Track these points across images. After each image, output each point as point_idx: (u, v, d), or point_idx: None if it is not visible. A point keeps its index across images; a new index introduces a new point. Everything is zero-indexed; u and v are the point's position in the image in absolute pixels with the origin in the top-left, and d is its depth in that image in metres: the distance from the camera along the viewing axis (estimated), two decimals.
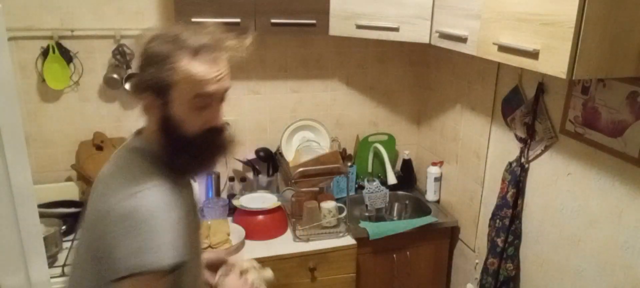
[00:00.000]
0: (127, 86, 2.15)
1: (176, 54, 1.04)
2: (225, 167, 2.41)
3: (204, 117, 1.09)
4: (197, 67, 1.04)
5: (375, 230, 2.17)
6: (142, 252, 0.99)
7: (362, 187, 2.49)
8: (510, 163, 1.89)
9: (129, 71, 2.16)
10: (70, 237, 2.00)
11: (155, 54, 1.05)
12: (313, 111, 2.50)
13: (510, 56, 1.45)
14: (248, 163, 2.38)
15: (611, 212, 1.52)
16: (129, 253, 0.99)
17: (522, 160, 1.85)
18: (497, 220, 1.92)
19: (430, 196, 2.49)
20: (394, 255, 2.26)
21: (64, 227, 1.97)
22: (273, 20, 2.01)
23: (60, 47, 2.07)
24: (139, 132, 1.17)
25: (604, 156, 1.52)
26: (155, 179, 1.07)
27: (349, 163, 2.54)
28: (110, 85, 2.14)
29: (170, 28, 1.09)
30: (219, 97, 1.11)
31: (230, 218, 2.19)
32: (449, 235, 2.38)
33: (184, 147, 1.09)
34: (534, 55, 1.34)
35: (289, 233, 2.18)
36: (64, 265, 1.78)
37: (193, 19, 1.92)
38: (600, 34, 1.23)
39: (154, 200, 1.03)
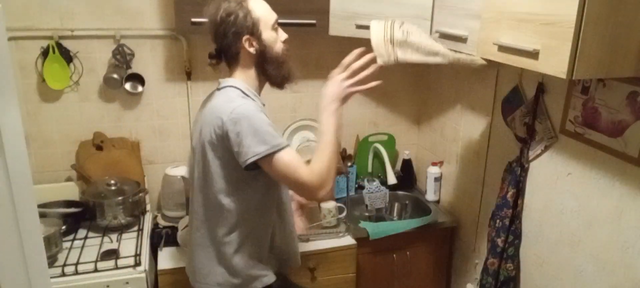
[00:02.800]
0: (127, 86, 2.15)
1: (243, 1, 1.44)
2: None
3: (280, 37, 1.53)
4: (262, 5, 1.48)
5: (375, 230, 2.17)
6: (262, 141, 1.36)
7: (362, 187, 2.49)
8: (510, 163, 1.89)
9: (129, 71, 2.16)
10: (70, 237, 2.00)
11: (230, 11, 1.42)
12: (313, 111, 2.50)
13: (510, 56, 1.45)
14: None
15: (611, 212, 1.52)
16: (251, 144, 1.36)
17: (522, 160, 1.85)
18: (497, 220, 1.91)
19: (430, 196, 2.49)
20: (394, 255, 2.26)
21: (64, 227, 1.97)
22: None
23: (60, 47, 2.07)
24: (222, 80, 1.52)
25: (604, 156, 1.52)
26: (245, 99, 1.43)
27: (349, 164, 2.54)
28: (110, 85, 2.14)
29: None
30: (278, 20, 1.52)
31: None
32: (449, 235, 2.38)
33: (280, 61, 1.51)
34: (534, 55, 1.34)
35: None
36: (64, 265, 1.78)
37: (193, 19, 1.93)
38: (600, 34, 1.23)
39: (249, 107, 1.40)
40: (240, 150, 1.37)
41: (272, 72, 1.51)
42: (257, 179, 1.47)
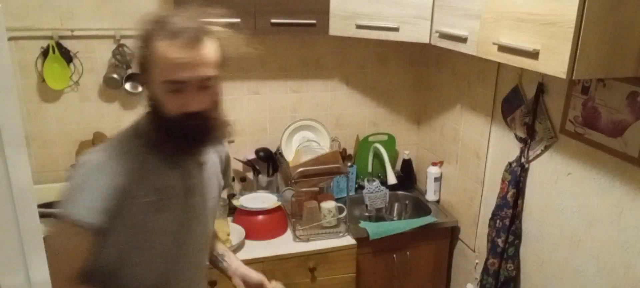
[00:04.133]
0: (127, 86, 2.15)
1: (155, 35, 1.07)
2: None
3: (179, 101, 1.09)
4: (170, 51, 1.06)
5: (375, 230, 2.17)
6: (66, 201, 1.09)
7: (362, 187, 2.49)
8: (510, 163, 1.89)
9: (129, 71, 2.16)
10: None
11: (141, 32, 1.10)
12: (313, 111, 2.50)
13: (510, 56, 1.45)
14: (248, 163, 2.38)
15: (611, 212, 1.52)
16: (61, 198, 1.10)
17: (522, 160, 1.85)
18: (497, 220, 1.91)
19: (430, 196, 2.49)
20: (394, 255, 2.26)
21: None
22: (273, 20, 2.01)
23: (60, 47, 2.07)
24: None
25: (604, 156, 1.52)
26: (123, 146, 1.15)
27: (349, 163, 2.54)
28: (110, 85, 2.14)
29: (168, 10, 1.16)
30: (195, 84, 1.09)
31: (230, 218, 2.19)
32: (449, 235, 2.38)
33: (164, 126, 1.12)
34: (534, 55, 1.34)
35: (289, 233, 2.18)
36: None
37: None
38: (600, 34, 1.23)
39: (92, 159, 1.12)
40: None
41: (155, 129, 1.14)
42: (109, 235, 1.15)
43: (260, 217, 2.14)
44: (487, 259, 1.97)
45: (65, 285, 1.12)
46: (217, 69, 1.14)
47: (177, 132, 1.12)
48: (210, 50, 1.11)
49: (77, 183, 1.10)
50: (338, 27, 2.09)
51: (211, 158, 1.32)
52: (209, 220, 1.34)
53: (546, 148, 1.76)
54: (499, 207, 1.91)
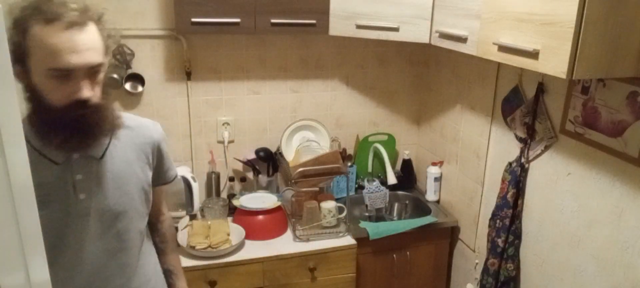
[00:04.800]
0: (127, 86, 2.15)
1: (30, 20, 0.99)
2: (225, 167, 2.42)
3: (66, 89, 1.02)
4: (50, 37, 0.99)
5: (375, 230, 2.17)
6: None
7: (362, 187, 2.49)
8: (510, 164, 1.89)
9: (129, 71, 2.16)
10: None
11: (14, 18, 1.00)
12: (313, 111, 2.50)
13: (510, 56, 1.45)
14: (248, 163, 2.39)
15: (611, 212, 1.52)
16: None
17: (522, 160, 1.85)
18: (497, 220, 1.91)
19: (430, 196, 2.49)
20: (394, 255, 2.26)
21: None
22: (273, 20, 2.01)
23: None
24: None
25: (604, 156, 1.52)
26: None
27: (349, 163, 2.54)
28: (110, 85, 2.14)
29: None
30: (83, 72, 1.03)
31: (230, 218, 2.19)
32: (449, 235, 2.38)
33: (49, 118, 1.05)
34: (534, 55, 1.34)
35: (289, 233, 2.18)
36: None
37: (193, 19, 1.93)
38: (600, 34, 1.23)
39: None
40: None
41: (37, 122, 1.07)
42: None
43: (260, 217, 2.14)
44: (487, 259, 1.97)
45: None
46: (103, 55, 1.07)
47: (64, 122, 1.04)
48: (95, 34, 1.05)
49: None
50: (338, 27, 2.09)
51: (123, 152, 1.23)
52: (117, 223, 1.23)
53: (546, 148, 1.76)
54: (499, 207, 1.91)
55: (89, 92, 1.04)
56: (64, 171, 1.14)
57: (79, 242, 1.19)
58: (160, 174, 1.41)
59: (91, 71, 1.04)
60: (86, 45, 1.02)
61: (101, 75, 1.08)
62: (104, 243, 1.23)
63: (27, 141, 1.05)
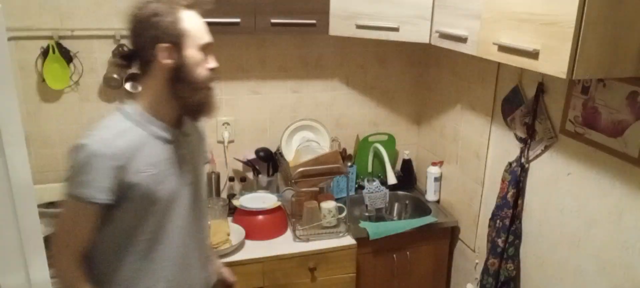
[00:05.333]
0: (127, 86, 2.15)
1: (178, 8, 1.22)
2: (225, 167, 2.41)
3: (206, 62, 1.27)
4: (197, 18, 1.26)
5: (375, 230, 2.17)
6: (73, 182, 1.22)
7: (362, 187, 2.49)
8: (510, 164, 1.89)
9: (129, 71, 2.16)
10: None
11: (157, 12, 1.20)
12: (313, 111, 2.50)
13: (510, 56, 1.45)
14: (248, 163, 2.39)
15: (611, 212, 1.52)
16: (67, 180, 1.23)
17: (522, 160, 1.85)
18: (497, 220, 1.91)
19: (430, 196, 2.49)
20: (394, 255, 2.26)
21: None
22: (273, 20, 2.01)
23: (60, 47, 2.07)
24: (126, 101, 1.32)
25: (604, 156, 1.52)
26: (117, 128, 1.23)
27: (349, 163, 2.54)
28: (110, 85, 2.14)
29: None
30: (212, 46, 1.29)
31: (230, 218, 2.19)
32: (449, 235, 2.38)
33: (196, 87, 1.25)
34: (534, 55, 1.34)
35: (289, 233, 2.18)
36: None
37: None
38: (600, 34, 1.23)
39: (92, 142, 1.20)
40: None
41: (183, 94, 1.25)
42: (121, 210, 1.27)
43: (260, 217, 2.14)
44: (487, 259, 1.97)
45: (68, 264, 1.26)
46: None
47: (204, 90, 1.27)
48: None
49: (82, 164, 1.19)
50: (338, 27, 2.09)
51: (193, 131, 1.42)
52: (202, 189, 1.44)
53: (546, 148, 1.76)
54: (499, 207, 1.91)
55: (216, 62, 1.30)
56: (172, 149, 1.31)
57: (175, 228, 1.34)
58: (206, 154, 1.56)
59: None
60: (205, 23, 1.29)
61: None
62: (190, 229, 1.38)
63: (140, 127, 1.26)
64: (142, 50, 1.24)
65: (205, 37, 1.26)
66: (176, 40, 1.21)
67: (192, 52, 1.23)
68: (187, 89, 1.25)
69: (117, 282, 1.31)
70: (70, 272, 1.27)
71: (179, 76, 1.24)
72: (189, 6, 1.25)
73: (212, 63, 1.28)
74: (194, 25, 1.24)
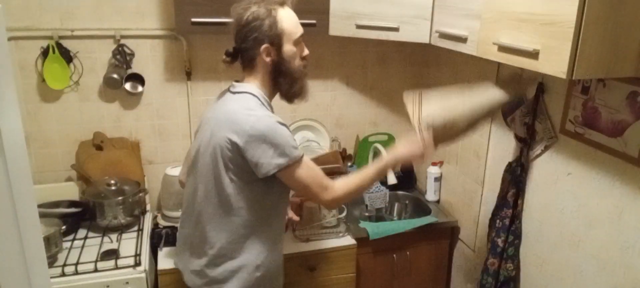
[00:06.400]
0: (127, 86, 2.15)
1: (275, 9, 1.42)
2: None
3: (301, 50, 1.51)
4: (291, 14, 1.47)
5: (375, 230, 2.17)
6: (282, 154, 1.40)
7: None
8: (510, 164, 1.89)
9: (129, 71, 2.16)
10: (70, 237, 2.00)
11: (257, 16, 1.41)
12: (313, 111, 2.50)
13: (510, 56, 1.45)
14: None
15: (611, 212, 1.52)
16: (273, 156, 1.39)
17: (522, 160, 1.85)
18: (497, 220, 1.91)
19: (430, 196, 2.49)
20: (394, 255, 2.26)
21: (64, 227, 1.97)
22: None
23: (60, 47, 2.07)
24: (236, 84, 1.51)
25: (604, 156, 1.52)
26: (263, 110, 1.45)
27: (349, 164, 2.53)
28: (110, 85, 2.14)
29: None
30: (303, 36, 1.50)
31: None
32: (449, 235, 2.38)
33: (295, 77, 1.50)
34: (534, 55, 1.34)
35: (289, 233, 2.18)
36: (64, 265, 1.78)
37: (193, 19, 1.93)
38: (600, 34, 1.23)
39: (270, 119, 1.41)
40: (261, 162, 1.39)
41: (284, 85, 1.50)
42: (272, 187, 1.48)
43: None
44: (486, 259, 1.97)
45: (340, 190, 1.51)
46: None
47: (301, 78, 1.51)
48: None
49: (278, 138, 1.39)
50: (338, 27, 2.09)
51: None
52: None
53: (546, 148, 1.76)
54: (499, 207, 1.91)
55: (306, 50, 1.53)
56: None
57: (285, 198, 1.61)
58: None
59: None
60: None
61: None
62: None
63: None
64: (246, 51, 1.46)
65: (298, 30, 1.48)
66: (276, 40, 1.43)
67: (288, 48, 1.45)
68: (287, 80, 1.49)
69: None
70: (346, 188, 1.51)
71: (280, 69, 1.47)
72: (282, 4, 1.44)
73: (305, 51, 1.52)
74: (288, 22, 1.44)
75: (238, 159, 1.41)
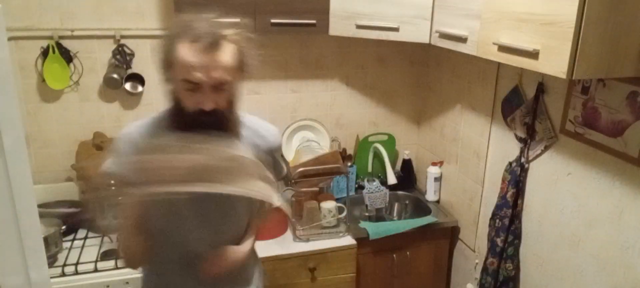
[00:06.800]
0: (127, 86, 2.15)
1: (179, 37, 1.17)
2: None
3: (195, 99, 1.18)
4: (189, 54, 1.16)
5: (375, 230, 2.17)
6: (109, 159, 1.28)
7: (362, 187, 2.49)
8: (510, 164, 1.89)
9: (129, 71, 2.16)
10: (70, 237, 2.00)
11: (167, 33, 1.22)
12: (313, 111, 2.50)
13: (510, 56, 1.45)
14: None
15: (611, 212, 1.52)
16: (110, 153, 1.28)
17: (522, 160, 1.85)
18: (497, 220, 1.92)
19: (430, 196, 2.49)
20: (394, 255, 2.26)
21: (64, 227, 1.97)
22: (273, 20, 2.01)
23: (60, 47, 2.07)
24: None
25: (604, 156, 1.52)
26: (150, 129, 1.29)
27: (349, 163, 2.54)
28: (110, 85, 2.14)
29: (196, 15, 1.23)
30: (209, 85, 1.18)
31: None
32: (449, 235, 2.38)
33: (181, 119, 1.22)
34: (534, 55, 1.34)
35: (289, 233, 2.18)
36: (64, 265, 1.78)
37: None
38: (600, 34, 1.23)
39: (127, 132, 1.31)
40: None
41: (174, 119, 1.25)
42: None
43: None
44: (486, 259, 1.97)
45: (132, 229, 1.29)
46: (232, 74, 1.21)
47: (192, 125, 1.20)
48: (227, 55, 1.19)
49: (117, 148, 1.28)
50: (338, 27, 2.09)
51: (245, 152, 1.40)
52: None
53: (546, 148, 1.76)
54: (498, 207, 1.91)
55: (212, 105, 1.19)
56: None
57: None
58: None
59: (218, 86, 1.19)
60: (216, 64, 1.17)
61: (231, 90, 1.24)
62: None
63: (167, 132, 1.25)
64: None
65: (186, 76, 1.17)
66: (165, 68, 1.22)
67: (176, 86, 1.21)
68: (177, 117, 1.24)
69: None
70: None
71: (172, 101, 1.25)
72: (194, 39, 1.17)
73: (200, 103, 1.19)
74: (180, 61, 1.16)
75: None
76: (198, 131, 1.19)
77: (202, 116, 1.20)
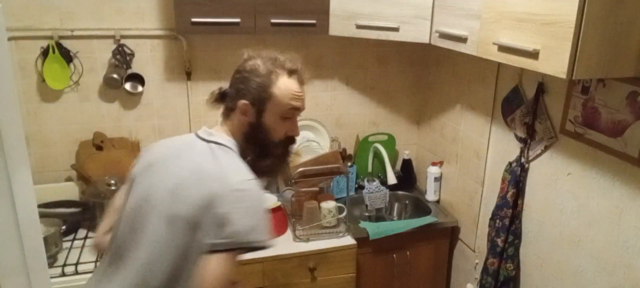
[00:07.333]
0: (127, 86, 2.15)
1: (277, 72, 1.28)
2: None
3: (287, 126, 1.32)
4: (292, 85, 1.30)
5: (375, 230, 2.17)
6: (257, 230, 1.17)
7: (362, 187, 2.49)
8: (510, 163, 1.89)
9: (129, 71, 2.16)
10: (70, 237, 2.00)
11: (257, 69, 1.27)
12: (313, 111, 2.50)
13: (510, 56, 1.45)
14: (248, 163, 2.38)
15: (611, 212, 1.52)
16: (247, 229, 1.16)
17: (522, 160, 1.85)
18: (497, 220, 1.92)
19: (430, 196, 2.49)
20: (394, 255, 2.26)
21: (64, 227, 1.97)
22: (273, 20, 2.01)
23: (60, 47, 2.07)
24: (210, 131, 1.32)
25: (604, 156, 1.52)
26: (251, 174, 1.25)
27: (349, 163, 2.54)
28: (110, 85, 2.14)
29: (265, 51, 1.33)
30: (298, 113, 1.35)
31: None
32: (449, 235, 2.38)
33: (267, 151, 1.31)
34: (534, 55, 1.34)
35: (289, 233, 2.18)
36: (64, 265, 1.78)
37: (193, 19, 1.93)
38: (600, 34, 1.23)
39: (261, 190, 1.24)
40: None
41: (252, 153, 1.30)
42: None
43: None
44: (486, 259, 1.97)
45: None
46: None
47: (280, 154, 1.33)
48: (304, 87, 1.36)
49: (264, 213, 1.22)
50: (338, 27, 2.09)
51: None
52: None
53: (546, 148, 1.76)
54: (498, 207, 1.91)
55: (298, 131, 1.36)
56: None
57: None
58: None
59: (299, 114, 1.35)
60: (304, 93, 1.36)
61: None
62: None
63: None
64: (230, 97, 1.30)
65: (292, 104, 1.29)
66: (258, 102, 1.26)
67: (270, 117, 1.28)
68: (257, 150, 1.30)
69: None
70: None
71: (252, 135, 1.29)
72: (291, 72, 1.31)
73: (293, 130, 1.33)
74: (283, 92, 1.27)
75: (201, 222, 1.18)
76: (279, 159, 1.34)
77: (288, 143, 1.34)
